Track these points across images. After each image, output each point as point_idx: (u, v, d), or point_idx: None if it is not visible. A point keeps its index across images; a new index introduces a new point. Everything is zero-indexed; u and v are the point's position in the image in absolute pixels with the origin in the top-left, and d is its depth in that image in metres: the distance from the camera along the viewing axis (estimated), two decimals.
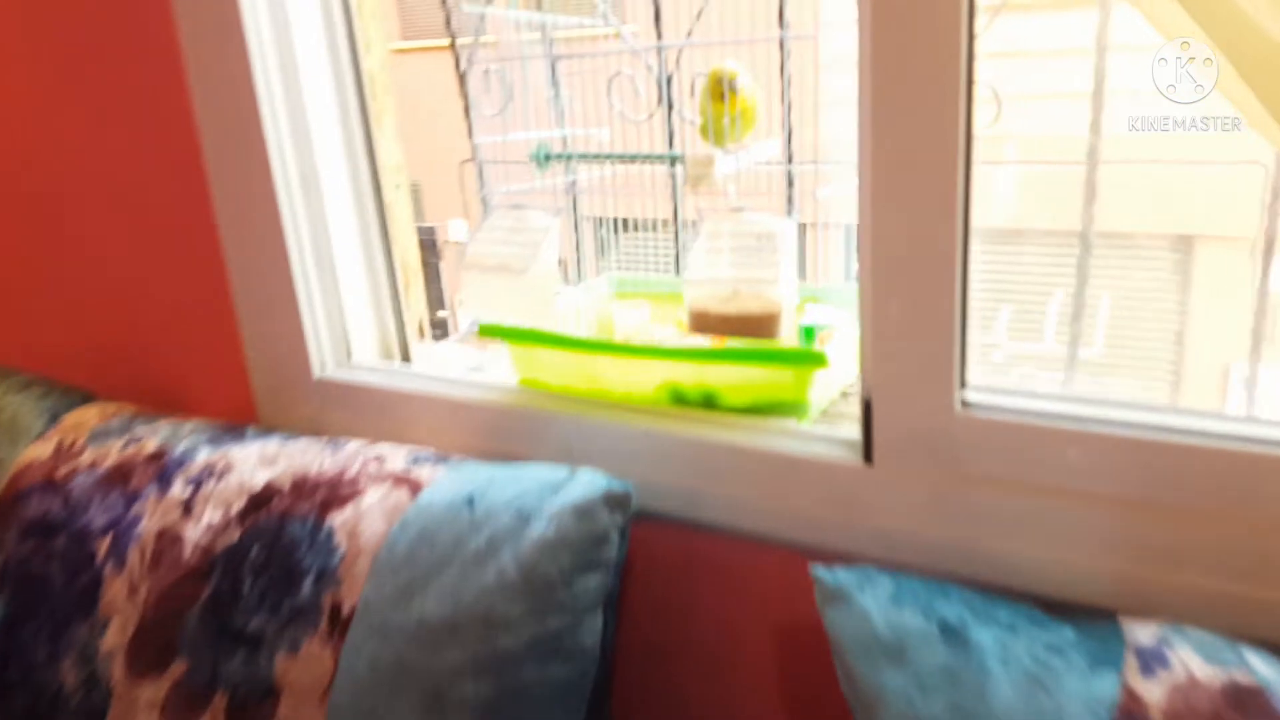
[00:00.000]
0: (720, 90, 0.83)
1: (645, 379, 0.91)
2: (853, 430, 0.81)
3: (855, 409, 0.92)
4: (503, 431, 0.96)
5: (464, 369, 1.08)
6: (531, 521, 0.76)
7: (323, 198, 1.04)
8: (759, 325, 0.77)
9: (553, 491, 0.77)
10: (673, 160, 0.94)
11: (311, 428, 1.08)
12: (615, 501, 0.76)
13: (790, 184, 0.93)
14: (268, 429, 1.06)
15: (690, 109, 0.98)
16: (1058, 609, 0.68)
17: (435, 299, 7.09)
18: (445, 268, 6.82)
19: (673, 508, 0.87)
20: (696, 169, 0.82)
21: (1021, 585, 0.73)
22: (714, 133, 0.87)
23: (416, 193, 6.34)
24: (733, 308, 0.78)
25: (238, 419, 1.11)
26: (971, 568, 0.74)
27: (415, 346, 1.15)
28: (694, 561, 0.90)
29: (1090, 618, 0.65)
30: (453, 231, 6.39)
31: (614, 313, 1.09)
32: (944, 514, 0.75)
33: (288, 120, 1.01)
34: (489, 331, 0.97)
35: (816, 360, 0.81)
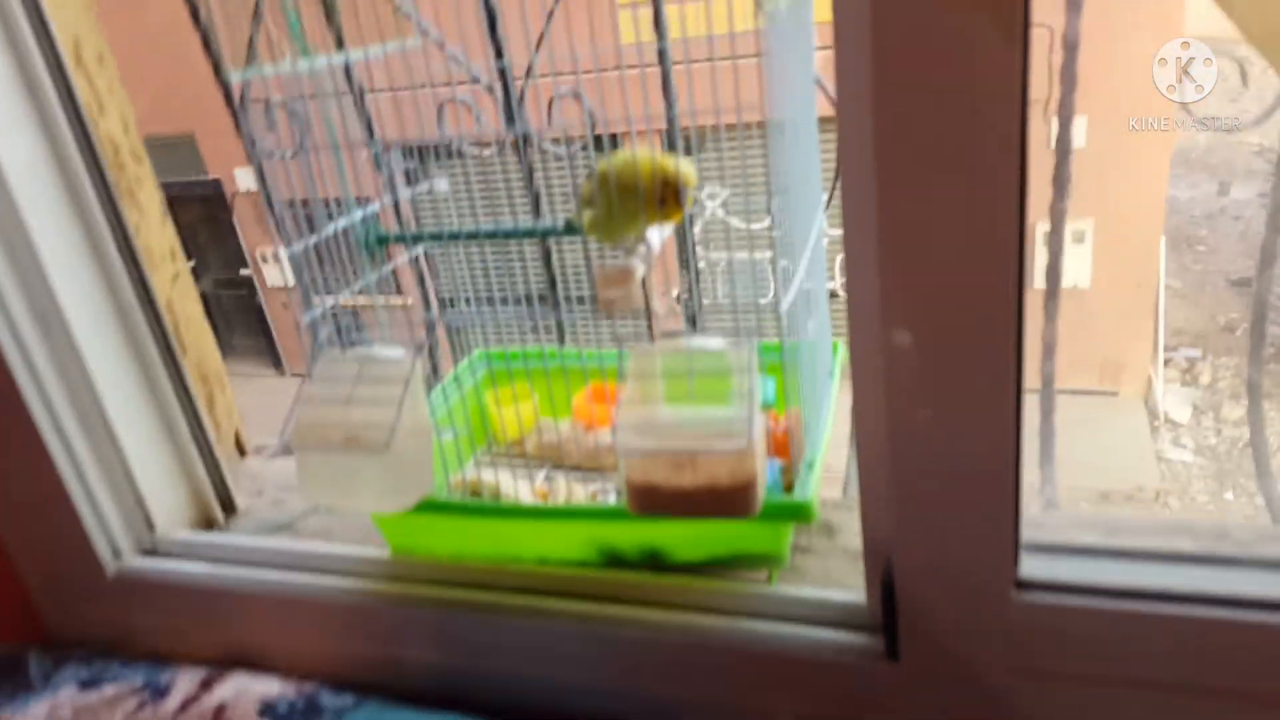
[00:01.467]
0: (653, 196, 0.58)
1: (568, 539, 0.70)
2: (849, 588, 0.63)
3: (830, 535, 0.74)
4: (376, 634, 0.72)
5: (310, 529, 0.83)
6: None
7: (69, 328, 0.74)
8: (729, 500, 0.57)
9: None
10: (546, 234, 0.70)
11: (115, 636, 0.80)
12: None
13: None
14: (56, 652, 0.78)
15: (549, 131, 0.74)
16: None
17: (233, 258, 6.38)
18: (239, 223, 6.12)
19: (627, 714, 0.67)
20: (610, 288, 0.59)
21: None
22: (609, 231, 0.63)
23: (190, 143, 5.55)
24: (690, 479, 0.57)
25: (15, 633, 0.83)
26: None
27: (235, 475, 0.88)
28: None
29: None
30: (241, 180, 5.69)
31: (493, 412, 0.85)
32: (991, 711, 0.59)
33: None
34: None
35: (803, 514, 0.62)
